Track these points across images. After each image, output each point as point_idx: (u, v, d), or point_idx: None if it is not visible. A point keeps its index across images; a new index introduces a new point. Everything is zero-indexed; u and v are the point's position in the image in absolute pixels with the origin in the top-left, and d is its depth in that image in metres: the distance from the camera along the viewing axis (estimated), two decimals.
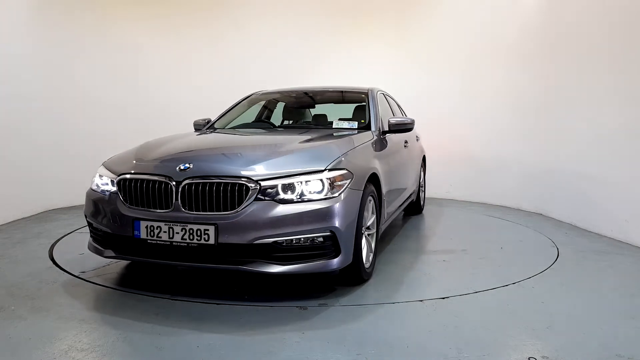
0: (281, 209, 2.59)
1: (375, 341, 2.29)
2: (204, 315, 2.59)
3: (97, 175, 3.10)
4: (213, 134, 3.90)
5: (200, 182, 2.66)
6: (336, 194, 2.70)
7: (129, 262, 3.50)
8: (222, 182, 2.64)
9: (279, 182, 2.64)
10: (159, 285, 3.06)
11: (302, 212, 2.60)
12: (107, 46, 6.55)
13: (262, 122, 4.52)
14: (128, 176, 2.86)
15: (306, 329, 2.41)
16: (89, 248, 3.10)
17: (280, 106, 4.83)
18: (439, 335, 2.37)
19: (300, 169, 2.72)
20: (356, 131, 3.72)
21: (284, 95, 4.74)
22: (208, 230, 2.59)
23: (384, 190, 3.47)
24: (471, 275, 3.36)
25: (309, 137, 3.38)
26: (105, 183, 3.00)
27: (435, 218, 5.46)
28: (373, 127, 3.81)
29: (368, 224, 3.17)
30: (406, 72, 7.20)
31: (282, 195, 2.63)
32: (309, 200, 2.64)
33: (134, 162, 2.99)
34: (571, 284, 3.23)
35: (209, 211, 2.63)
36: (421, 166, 5.60)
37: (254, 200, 2.60)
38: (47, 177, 5.56)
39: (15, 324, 2.46)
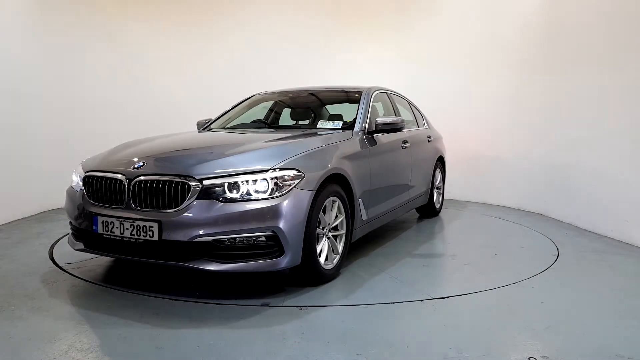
0: (222, 208, 2.64)
1: (375, 341, 2.29)
2: (204, 315, 2.59)
3: (74, 173, 3.28)
4: (199, 133, 4.04)
5: (148, 180, 2.77)
6: (280, 194, 2.72)
7: (128, 262, 3.51)
8: (166, 181, 2.73)
9: (223, 181, 2.69)
10: (159, 285, 3.06)
11: (243, 211, 2.64)
12: (107, 46, 6.55)
13: (258, 122, 4.53)
14: (91, 174, 3.04)
15: (306, 329, 2.41)
16: (68, 241, 3.24)
17: (287, 106, 4.85)
18: (439, 335, 2.37)
19: (246, 169, 2.76)
20: (339, 131, 3.69)
21: (282, 95, 4.77)
22: (152, 227, 2.68)
23: (358, 191, 3.42)
24: (444, 281, 3.28)
25: (279, 136, 3.41)
26: (77, 181, 3.19)
27: (435, 219, 5.45)
28: (357, 127, 3.75)
29: (333, 225, 3.16)
30: (406, 71, 7.20)
31: (225, 195, 2.67)
32: (253, 200, 2.68)
33: (101, 160, 3.17)
34: (571, 284, 3.23)
35: (155, 208, 2.73)
36: (436, 167, 5.39)
37: (197, 198, 2.66)
38: (47, 177, 5.56)
39: (15, 324, 2.46)
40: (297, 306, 2.72)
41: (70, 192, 3.22)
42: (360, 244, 4.10)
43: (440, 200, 5.69)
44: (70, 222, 3.18)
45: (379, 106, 4.57)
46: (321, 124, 4.05)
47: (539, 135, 5.73)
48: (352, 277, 3.26)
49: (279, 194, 2.72)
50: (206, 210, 2.63)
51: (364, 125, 3.82)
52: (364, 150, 3.62)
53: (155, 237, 2.67)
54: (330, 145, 3.31)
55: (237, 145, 3.14)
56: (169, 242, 2.67)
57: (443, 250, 4.10)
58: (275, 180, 2.74)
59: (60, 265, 3.51)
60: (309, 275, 3.01)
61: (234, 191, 2.68)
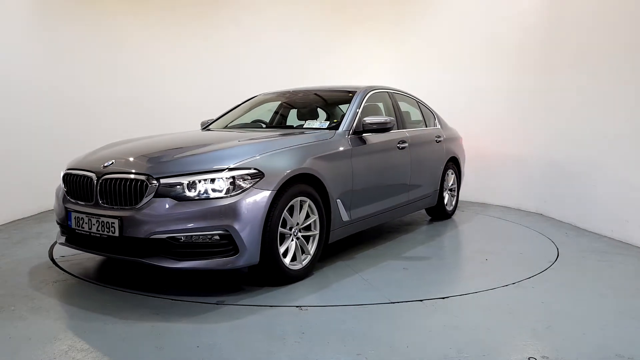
0: (177, 206, 2.70)
1: (375, 341, 2.29)
2: (204, 315, 2.59)
3: (62, 171, 3.39)
4: (184, 133, 4.06)
5: (113, 178, 2.88)
6: (236, 193, 2.75)
7: (128, 262, 3.51)
8: (128, 179, 2.83)
9: (179, 181, 2.75)
10: (159, 285, 3.06)
11: (197, 210, 2.68)
12: (106, 45, 6.55)
13: (258, 123, 4.54)
14: (68, 171, 3.21)
15: (306, 329, 2.41)
16: (57, 236, 3.38)
17: (286, 107, 4.85)
18: (439, 335, 2.37)
19: (203, 168, 2.80)
20: (325, 131, 3.68)
21: (281, 96, 4.78)
22: (114, 223, 2.78)
23: (335, 192, 3.39)
24: (417, 285, 3.13)
25: (256, 136, 3.42)
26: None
27: (444, 221, 5.44)
28: (341, 127, 3.71)
29: (303, 225, 3.17)
30: (406, 71, 7.20)
31: (182, 193, 2.73)
32: (208, 199, 2.72)
33: (80, 159, 3.32)
34: (571, 284, 3.23)
35: (118, 205, 2.84)
36: (448, 168, 5.24)
37: (154, 196, 2.73)
38: (47, 177, 5.54)
39: (15, 324, 2.46)
40: (297, 306, 2.72)
41: (57, 189, 3.39)
42: (349, 245, 4.08)
43: (453, 202, 5.50)
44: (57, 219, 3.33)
45: (381, 106, 4.56)
46: (308, 124, 4.05)
47: (539, 135, 5.73)
48: (321, 278, 3.23)
49: (235, 194, 2.75)
50: (162, 208, 2.70)
51: (352, 125, 3.77)
52: (346, 150, 3.57)
53: (116, 234, 2.77)
54: (303, 145, 3.29)
55: (206, 145, 3.16)
56: (128, 239, 2.76)
57: (430, 253, 3.96)
58: (232, 179, 2.77)
59: (60, 265, 3.51)
60: (270, 275, 3.01)
61: (191, 190, 2.73)
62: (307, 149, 3.28)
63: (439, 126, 5.35)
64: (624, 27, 4.37)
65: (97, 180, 2.94)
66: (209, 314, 2.61)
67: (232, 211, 2.71)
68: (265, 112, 4.83)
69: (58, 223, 3.28)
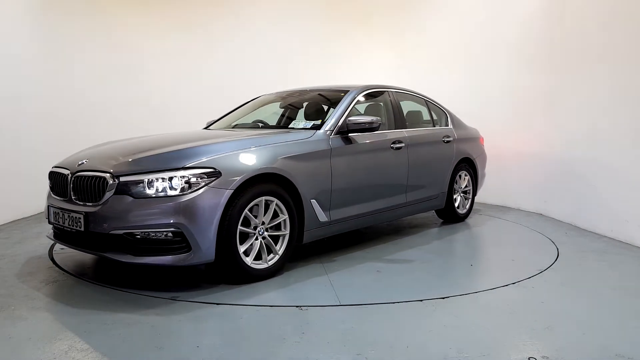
0: (133, 203, 2.80)
1: (375, 341, 2.29)
2: (204, 315, 2.59)
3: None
4: (176, 133, 4.04)
5: (82, 176, 3.04)
6: (190, 192, 2.79)
7: (129, 262, 3.52)
8: (93, 176, 2.97)
9: (137, 178, 2.84)
10: (159, 285, 3.06)
11: (151, 207, 2.77)
12: (106, 46, 6.55)
13: (256, 123, 4.54)
14: (53, 169, 3.41)
15: (306, 329, 2.41)
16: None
17: (284, 107, 4.86)
18: (439, 335, 2.37)
19: (160, 167, 2.88)
20: (309, 131, 3.67)
21: (279, 96, 4.78)
22: (80, 218, 2.93)
23: (309, 192, 3.37)
24: (381, 288, 3.05)
25: (229, 136, 3.45)
26: None
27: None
28: (324, 127, 3.69)
29: (271, 225, 3.18)
30: (406, 70, 7.21)
31: (139, 191, 2.81)
32: (163, 197, 2.79)
33: (65, 158, 3.50)
34: (571, 284, 3.23)
35: (85, 202, 2.99)
36: (462, 170, 5.11)
37: (114, 194, 2.84)
38: (47, 177, 5.55)
39: (15, 324, 2.46)
40: (297, 306, 2.72)
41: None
42: (337, 247, 4.07)
43: (467, 205, 5.30)
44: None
45: (381, 105, 4.53)
46: (294, 124, 4.04)
47: (538, 135, 5.73)
48: (286, 279, 3.21)
49: (188, 192, 2.80)
50: (119, 205, 2.81)
51: (336, 125, 3.74)
52: (325, 150, 3.55)
53: (83, 228, 2.92)
54: (273, 145, 3.29)
55: (170, 145, 3.19)
56: (92, 233, 2.90)
57: (415, 256, 3.81)
58: (187, 178, 2.82)
59: (60, 265, 3.51)
60: (229, 273, 3.05)
61: (147, 188, 2.81)
62: (277, 149, 3.28)
63: (451, 126, 5.20)
64: (625, 26, 4.36)
65: (71, 178, 3.11)
66: (209, 314, 2.61)
67: (183, 209, 2.76)
68: (265, 113, 4.83)
69: (47, 218, 3.42)
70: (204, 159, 2.92)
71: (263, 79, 6.90)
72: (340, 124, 3.77)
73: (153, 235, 2.79)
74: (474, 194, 5.45)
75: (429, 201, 4.73)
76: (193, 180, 2.82)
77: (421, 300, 2.84)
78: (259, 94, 5.08)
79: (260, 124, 4.51)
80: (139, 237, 2.79)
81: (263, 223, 3.14)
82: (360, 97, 4.17)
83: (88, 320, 2.50)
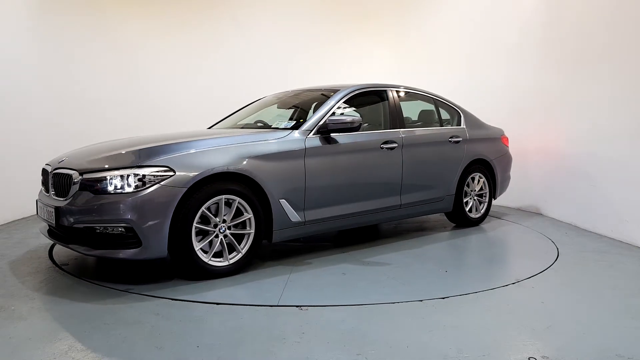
0: (91, 200, 2.96)
1: (375, 341, 2.29)
2: (204, 315, 2.59)
3: None
4: (163, 133, 4.07)
5: (58, 172, 3.24)
6: (141, 189, 2.90)
7: (128, 262, 3.52)
8: (64, 173, 3.18)
9: (96, 176, 3.00)
10: (159, 285, 3.06)
11: (106, 203, 2.91)
12: (106, 46, 6.55)
13: (256, 122, 4.54)
14: (44, 166, 3.58)
15: (306, 329, 2.41)
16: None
17: (281, 107, 4.86)
18: (439, 335, 2.37)
19: (118, 165, 3.02)
20: (278, 131, 3.67)
21: (277, 97, 4.79)
22: (52, 212, 3.12)
23: (278, 191, 3.38)
24: (339, 292, 3.00)
25: (200, 135, 3.50)
26: None
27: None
28: (303, 127, 3.68)
29: (234, 223, 3.21)
30: (406, 70, 7.21)
31: (98, 187, 2.97)
32: (117, 194, 2.92)
33: (56, 156, 3.63)
34: (571, 284, 3.23)
35: (58, 197, 3.19)
36: (475, 172, 4.91)
37: (78, 190, 3.03)
38: None
39: (15, 324, 2.46)
40: (297, 306, 2.72)
41: None
42: (323, 246, 4.06)
43: (482, 209, 5.06)
44: None
45: (380, 105, 4.51)
46: (276, 124, 4.05)
47: (538, 135, 5.73)
48: (243, 277, 3.22)
49: (140, 190, 2.91)
50: (81, 201, 2.99)
51: (316, 125, 3.72)
52: (298, 150, 3.53)
53: (54, 222, 3.11)
54: (238, 144, 3.31)
55: (138, 144, 3.29)
56: (61, 227, 3.09)
57: (395, 260, 3.69)
58: (140, 176, 2.93)
59: (60, 265, 3.51)
60: (185, 269, 3.14)
61: (105, 185, 2.95)
62: (242, 149, 3.31)
63: (463, 126, 4.98)
64: (625, 26, 4.36)
65: (51, 174, 3.32)
66: (209, 314, 2.61)
67: (135, 206, 2.87)
68: (272, 113, 4.83)
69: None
70: (159, 159, 3.02)
71: (263, 79, 6.90)
72: (321, 124, 3.75)
73: (110, 230, 2.93)
74: (491, 198, 5.18)
75: (432, 204, 4.57)
76: (148, 178, 2.93)
77: (421, 301, 2.84)
78: (259, 94, 5.10)
79: (260, 124, 4.51)
80: (98, 231, 2.95)
81: (225, 221, 3.18)
82: (352, 97, 4.13)
83: (88, 320, 2.50)
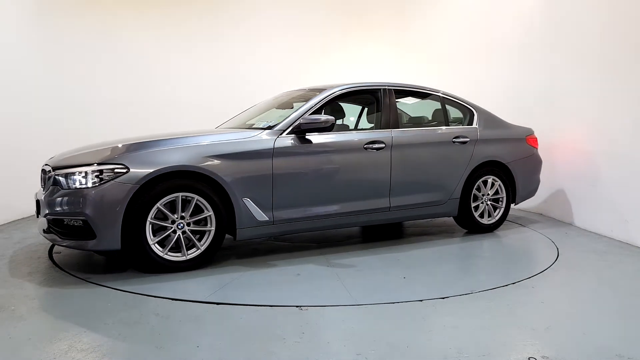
0: (58, 194, 3.18)
1: (375, 341, 2.29)
2: (204, 315, 2.59)
3: None
4: (159, 132, 4.08)
5: (43, 169, 3.51)
6: (96, 185, 3.10)
7: (128, 262, 3.53)
8: (44, 170, 3.45)
9: (62, 172, 3.23)
10: (159, 285, 3.06)
11: (66, 198, 3.15)
12: (106, 46, 6.55)
13: (261, 122, 4.55)
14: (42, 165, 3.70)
15: (306, 329, 2.41)
16: None
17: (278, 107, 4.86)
18: (439, 335, 2.37)
19: (79, 162, 3.25)
20: (249, 130, 3.70)
21: (276, 97, 4.79)
22: (35, 205, 3.47)
23: (241, 190, 3.41)
24: (283, 292, 2.97)
25: (180, 135, 3.56)
26: None
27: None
28: (276, 127, 3.67)
29: (193, 220, 3.31)
30: (406, 70, 7.21)
31: (63, 183, 3.19)
32: (79, 189, 3.13)
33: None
34: (571, 284, 3.23)
35: (44, 191, 3.38)
36: (488, 174, 4.61)
37: (51, 185, 3.26)
38: None
39: (15, 324, 2.46)
40: (297, 306, 2.72)
41: None
42: (307, 247, 4.07)
43: (497, 214, 4.70)
44: None
45: (374, 105, 4.49)
46: (257, 123, 4.06)
47: (538, 135, 5.72)
48: (196, 273, 3.27)
49: (96, 186, 3.10)
50: (49, 195, 3.24)
51: (291, 124, 3.69)
52: (266, 150, 3.53)
53: (36, 214, 3.45)
54: (198, 144, 3.37)
55: (111, 143, 3.46)
56: (42, 219, 3.35)
57: (360, 263, 3.61)
58: (97, 173, 3.12)
59: (60, 265, 3.51)
60: (138, 262, 3.31)
61: (70, 181, 3.18)
62: (204, 148, 3.38)
63: (476, 125, 4.69)
64: (625, 26, 4.36)
65: (41, 170, 3.56)
66: (209, 314, 2.61)
67: (88, 201, 3.08)
68: (274, 112, 4.83)
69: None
70: (117, 156, 3.21)
71: (263, 80, 6.90)
72: (296, 123, 3.72)
73: (73, 222, 3.15)
74: (509, 203, 4.78)
75: (431, 207, 4.34)
76: (105, 175, 3.12)
77: (421, 301, 2.84)
78: (259, 94, 5.09)
79: (264, 124, 4.51)
80: (65, 223, 3.19)
81: (183, 218, 3.29)
82: (340, 96, 4.08)
83: (88, 320, 2.50)
